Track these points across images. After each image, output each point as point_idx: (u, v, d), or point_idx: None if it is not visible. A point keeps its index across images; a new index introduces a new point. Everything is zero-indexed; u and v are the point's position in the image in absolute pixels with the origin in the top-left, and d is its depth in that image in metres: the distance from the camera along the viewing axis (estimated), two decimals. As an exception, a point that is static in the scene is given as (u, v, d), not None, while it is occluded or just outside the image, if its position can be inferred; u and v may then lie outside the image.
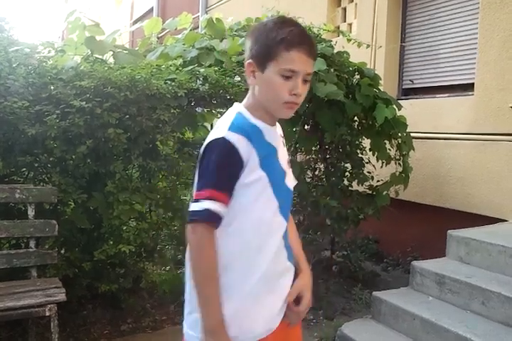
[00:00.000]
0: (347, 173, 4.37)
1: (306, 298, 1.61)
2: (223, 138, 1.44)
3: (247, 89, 1.61)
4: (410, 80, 5.23)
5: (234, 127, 1.47)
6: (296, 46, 1.46)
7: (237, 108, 1.57)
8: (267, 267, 1.52)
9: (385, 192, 4.28)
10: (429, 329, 3.04)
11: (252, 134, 1.49)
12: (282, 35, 1.46)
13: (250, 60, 1.52)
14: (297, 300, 1.60)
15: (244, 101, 1.59)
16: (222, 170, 1.45)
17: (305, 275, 1.66)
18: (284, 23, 1.51)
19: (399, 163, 4.24)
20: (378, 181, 4.37)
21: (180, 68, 3.74)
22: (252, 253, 1.51)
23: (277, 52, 1.46)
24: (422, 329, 3.09)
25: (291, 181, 1.64)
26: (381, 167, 4.28)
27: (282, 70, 1.47)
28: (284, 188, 1.59)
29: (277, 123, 1.64)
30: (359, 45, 4.40)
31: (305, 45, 1.48)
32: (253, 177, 1.48)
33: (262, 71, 1.50)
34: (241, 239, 1.50)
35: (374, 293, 3.55)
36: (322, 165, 4.35)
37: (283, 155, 1.62)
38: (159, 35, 5.28)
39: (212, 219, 1.44)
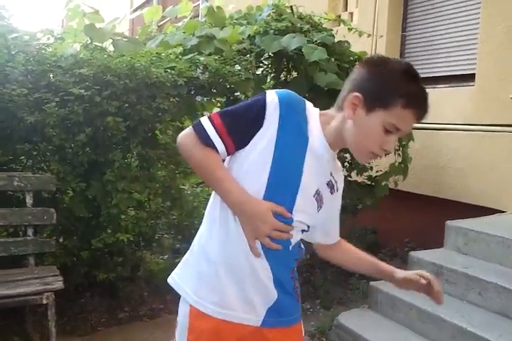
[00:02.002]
0: (346, 163, 4.37)
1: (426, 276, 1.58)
2: (265, 95, 1.41)
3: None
4: (411, 70, 5.20)
5: (285, 97, 1.41)
6: (416, 108, 1.36)
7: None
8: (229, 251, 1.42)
9: (384, 183, 4.28)
10: (426, 319, 3.05)
11: (293, 114, 1.41)
12: (409, 90, 1.35)
13: (359, 94, 1.38)
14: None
15: (323, 113, 1.49)
16: (240, 111, 1.41)
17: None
18: (415, 77, 1.39)
19: (398, 154, 4.23)
20: (377, 172, 4.36)
21: (180, 56, 3.72)
22: (223, 228, 1.43)
23: (394, 104, 1.34)
24: (419, 319, 3.10)
25: (303, 208, 1.44)
26: (380, 157, 4.27)
27: (389, 124, 1.36)
28: (287, 190, 1.42)
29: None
30: (360, 34, 4.38)
31: (422, 110, 1.38)
32: (260, 144, 1.38)
33: (366, 112, 1.38)
34: (221, 208, 1.44)
35: (371, 282, 3.56)
36: (321, 155, 4.34)
37: (316, 179, 1.46)
38: (159, 24, 5.25)
39: (200, 135, 1.40)
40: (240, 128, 1.40)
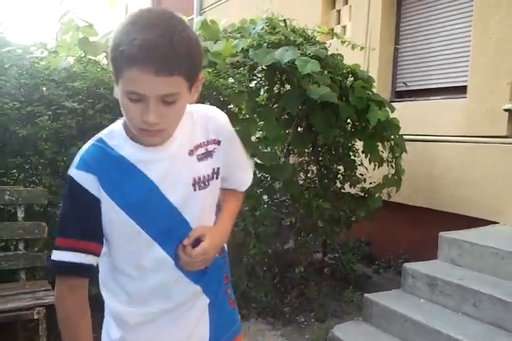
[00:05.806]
0: (339, 175, 4.38)
1: (206, 243, 1.30)
2: (71, 178, 1.26)
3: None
4: (403, 83, 5.23)
5: (81, 163, 1.27)
6: (138, 62, 1.07)
7: (110, 127, 1.30)
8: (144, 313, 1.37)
9: (377, 195, 4.28)
10: (421, 332, 3.03)
11: (106, 169, 1.25)
12: (123, 46, 1.07)
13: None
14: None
15: None
16: (73, 213, 1.28)
17: (218, 225, 1.39)
18: (134, 25, 1.09)
19: (391, 165, 4.24)
20: (371, 183, 4.37)
21: (173, 69, 3.72)
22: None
23: (120, 67, 1.11)
24: (414, 331, 3.08)
25: (203, 212, 1.34)
26: (373, 169, 4.28)
27: (127, 92, 1.12)
28: (167, 224, 1.29)
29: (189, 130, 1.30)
30: (353, 47, 4.41)
31: (151, 60, 1.06)
32: (111, 216, 1.27)
33: (116, 84, 1.17)
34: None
35: (365, 295, 3.54)
36: (315, 168, 4.36)
37: (179, 178, 1.28)
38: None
39: (55, 267, 1.30)
40: (80, 222, 1.26)
